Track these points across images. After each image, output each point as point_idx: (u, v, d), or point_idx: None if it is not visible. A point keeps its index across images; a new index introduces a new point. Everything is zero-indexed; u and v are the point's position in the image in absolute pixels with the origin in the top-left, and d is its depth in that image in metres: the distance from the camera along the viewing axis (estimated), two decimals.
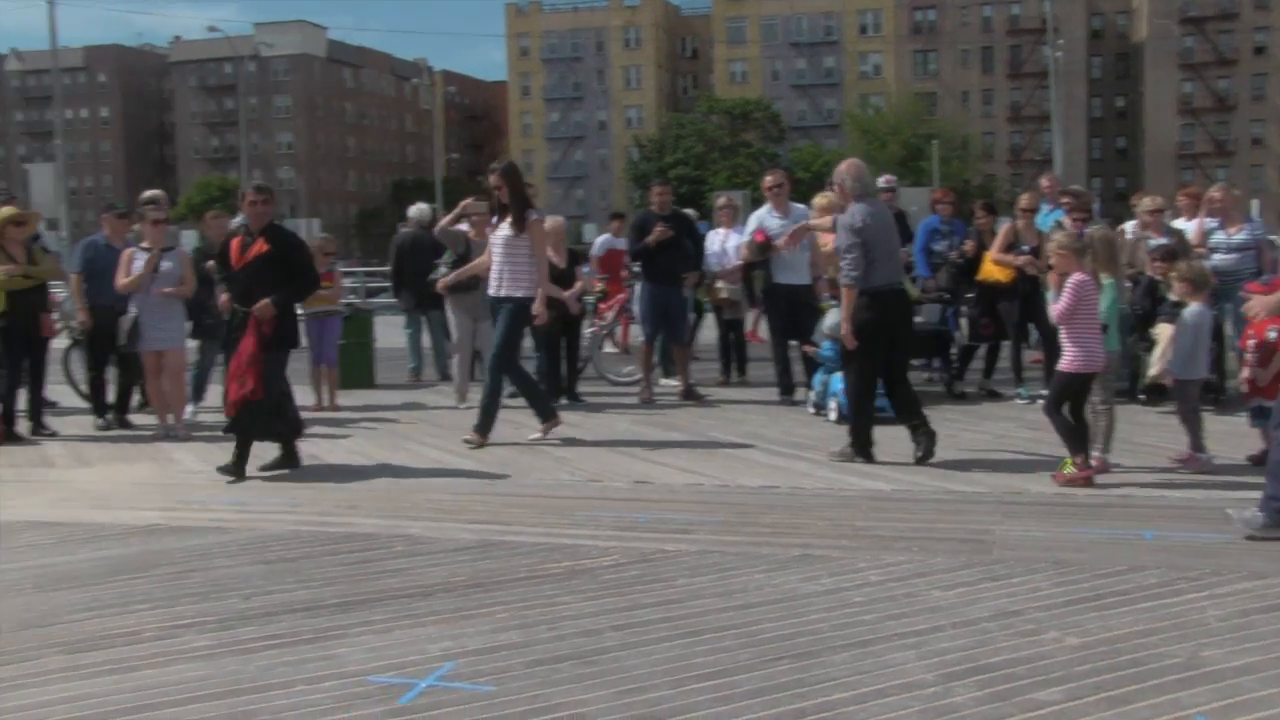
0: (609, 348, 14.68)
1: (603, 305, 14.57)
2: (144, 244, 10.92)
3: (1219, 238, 11.28)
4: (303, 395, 12.47)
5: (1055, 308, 7.93)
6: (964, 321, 12.46)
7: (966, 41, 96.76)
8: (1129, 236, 11.41)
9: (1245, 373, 8.07)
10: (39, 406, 11.23)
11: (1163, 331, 8.60)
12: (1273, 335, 7.74)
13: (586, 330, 13.61)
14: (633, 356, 13.89)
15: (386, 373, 14.55)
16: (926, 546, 6.37)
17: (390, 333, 15.93)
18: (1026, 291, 11.25)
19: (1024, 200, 11.90)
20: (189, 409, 11.37)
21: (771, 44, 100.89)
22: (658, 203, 12.41)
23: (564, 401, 12.25)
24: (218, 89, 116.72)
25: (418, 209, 15.02)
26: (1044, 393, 9.09)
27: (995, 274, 11.57)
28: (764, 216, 12.05)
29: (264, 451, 9.07)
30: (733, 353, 13.79)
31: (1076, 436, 7.88)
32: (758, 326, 14.75)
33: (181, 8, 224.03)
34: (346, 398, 12.68)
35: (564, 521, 7.20)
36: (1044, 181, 13.38)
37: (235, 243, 9.02)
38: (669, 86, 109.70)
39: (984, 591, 5.55)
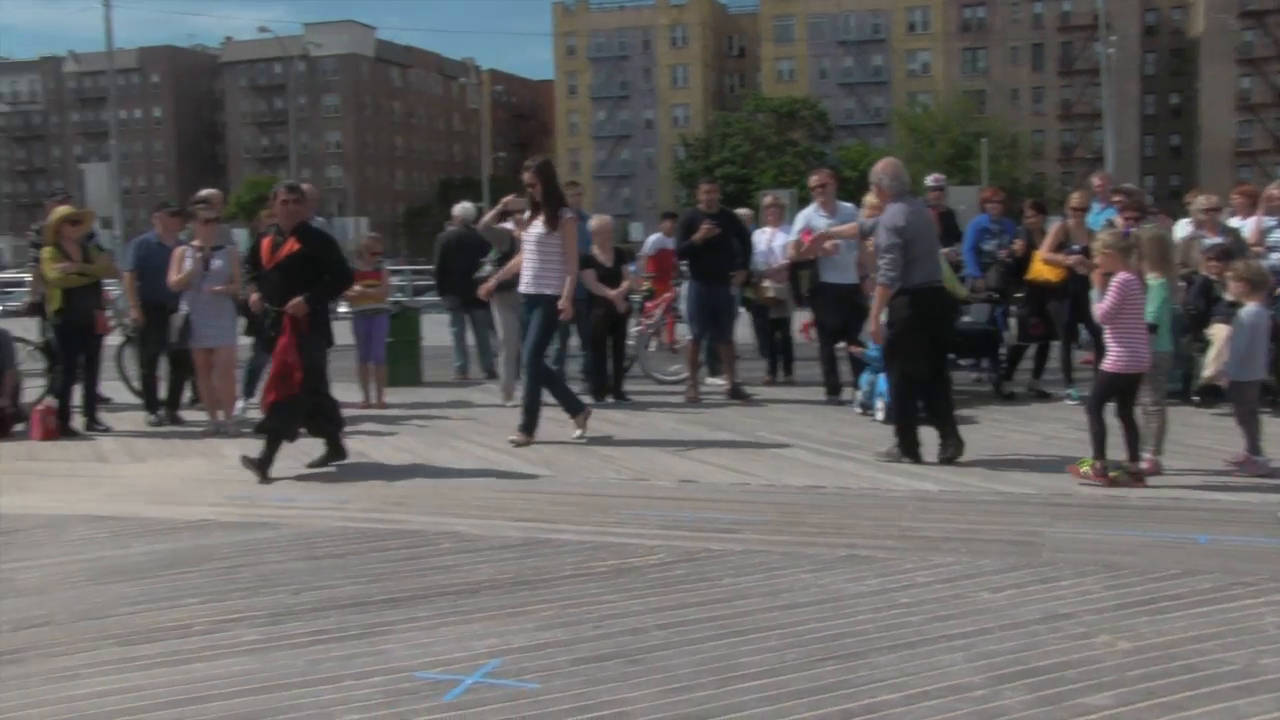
0: (655, 346, 14.67)
1: (649, 304, 14.57)
2: (195, 242, 11.01)
3: (1277, 236, 11.13)
4: (350, 392, 12.58)
5: (1099, 307, 7.86)
6: (1013, 321, 12.37)
7: (1016, 38, 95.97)
8: (1180, 235, 11.27)
9: None
10: (93, 402, 11.36)
11: (1218, 332, 8.48)
12: None
13: (633, 329, 13.61)
14: (679, 355, 13.88)
15: (433, 370, 14.62)
16: (974, 548, 6.33)
17: (437, 330, 16.00)
18: (1077, 291, 11.13)
19: (1075, 199, 11.79)
20: (239, 405, 11.47)
21: (819, 42, 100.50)
22: (705, 201, 12.39)
23: (610, 400, 12.27)
24: (267, 89, 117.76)
25: (462, 207, 15.08)
26: None
27: (1045, 273, 11.47)
28: (811, 215, 12.01)
29: (312, 448, 9.14)
30: (779, 352, 13.76)
31: (1103, 440, 7.82)
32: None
33: (233, 8, 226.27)
34: (394, 395, 12.74)
35: (609, 520, 7.20)
36: (1096, 180, 13.25)
37: (266, 242, 9.04)
38: (715, 85, 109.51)
39: (1033, 594, 5.50)
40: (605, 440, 10.02)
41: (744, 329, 14.33)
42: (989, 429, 10.17)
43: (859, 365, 11.36)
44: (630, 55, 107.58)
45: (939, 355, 8.96)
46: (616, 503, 7.70)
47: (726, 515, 7.23)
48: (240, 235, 25.90)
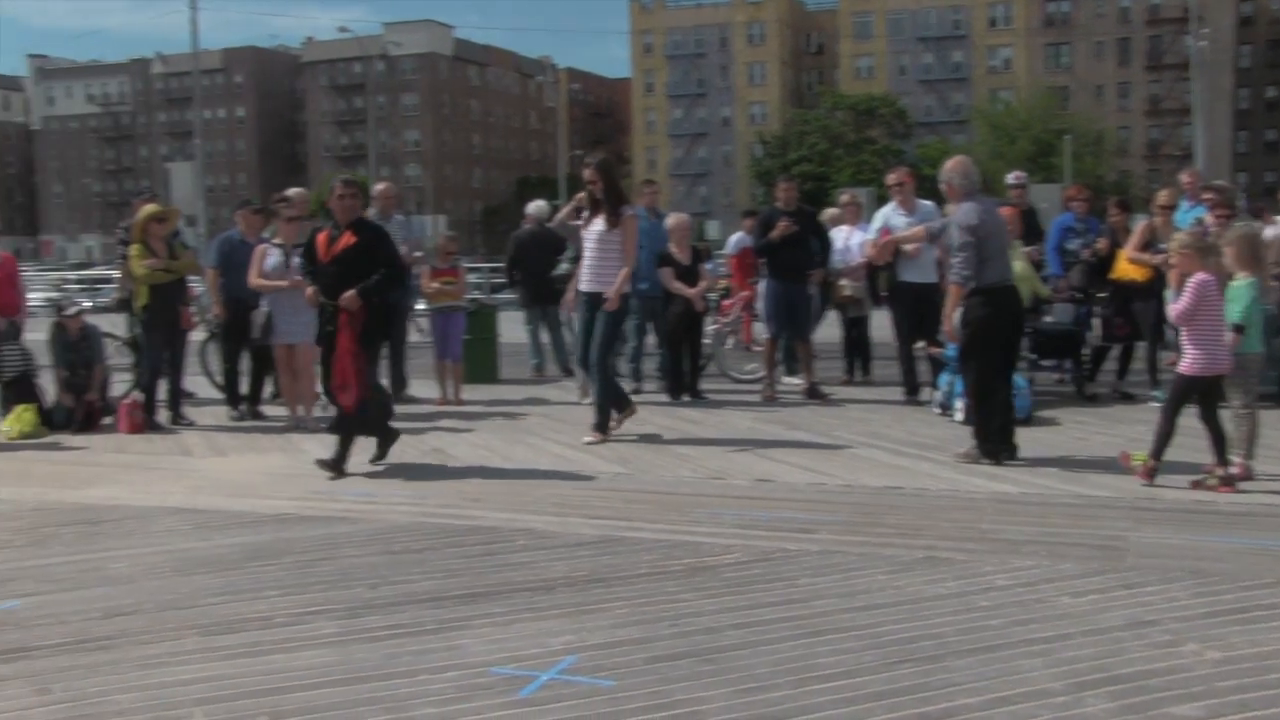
0: (731, 344, 14.63)
1: (726, 302, 14.53)
2: (277, 240, 11.15)
3: None
4: (428, 389, 12.70)
5: (1174, 308, 7.76)
6: (1096, 321, 12.19)
7: (1102, 32, 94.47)
8: (1270, 234, 11.03)
9: None
10: (178, 397, 11.56)
11: None
12: None
13: (709, 327, 13.58)
14: (756, 354, 13.83)
15: (510, 368, 14.69)
16: (1056, 551, 6.24)
17: (514, 328, 16.08)
18: (1163, 291, 10.94)
19: (1162, 196, 11.59)
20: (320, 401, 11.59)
21: (898, 38, 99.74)
22: (783, 199, 12.33)
23: (685, 399, 12.26)
24: (347, 88, 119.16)
25: (536, 205, 15.13)
26: None
27: (1130, 273, 11.29)
28: (889, 214, 11.91)
29: (369, 443, 9.23)
30: (856, 351, 13.67)
31: (1165, 442, 7.75)
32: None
33: (314, 9, 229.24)
34: (471, 392, 12.82)
35: (685, 519, 7.19)
36: (1184, 177, 12.97)
37: (322, 237, 9.00)
38: (793, 82, 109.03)
39: (1116, 599, 5.41)
40: (681, 439, 10.01)
41: (831, 329, 14.26)
42: (1071, 431, 10.02)
43: (938, 365, 11.25)
44: (707, 53, 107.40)
45: (1010, 355, 8.90)
46: (692, 501, 7.69)
47: (803, 515, 7.19)
48: None
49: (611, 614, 5.34)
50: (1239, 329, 7.78)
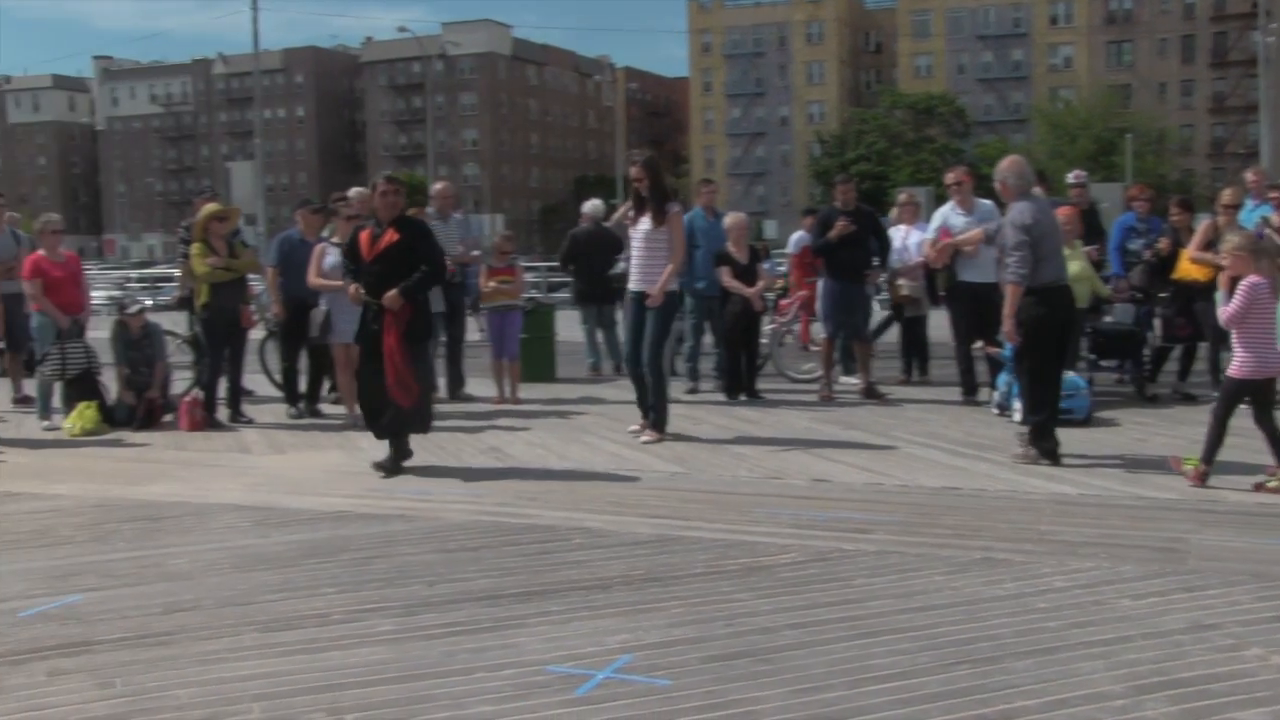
0: (789, 343, 14.59)
1: (783, 301, 14.48)
2: (335, 239, 11.23)
3: None
4: (485, 388, 12.76)
5: (1224, 311, 7.68)
6: (1157, 321, 12.04)
7: (1165, 29, 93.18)
8: None
9: None
10: (238, 395, 11.66)
11: None
12: None
13: (767, 326, 13.55)
14: (813, 353, 13.78)
15: (567, 366, 14.72)
16: (1115, 554, 6.17)
17: (572, 327, 16.11)
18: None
19: (1226, 195, 11.42)
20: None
21: (957, 37, 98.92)
22: (841, 199, 12.28)
23: (742, 398, 12.24)
24: (406, 87, 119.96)
25: (592, 205, 15.15)
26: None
27: (1193, 273, 11.15)
28: (948, 214, 11.82)
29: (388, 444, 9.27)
30: (914, 351, 13.58)
31: (1215, 446, 7.67)
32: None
33: (374, 9, 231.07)
34: (528, 391, 12.86)
35: (742, 518, 7.18)
36: (1249, 175, 12.79)
37: (365, 235, 8.93)
38: (851, 81, 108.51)
39: (1177, 602, 5.34)
40: (738, 438, 9.99)
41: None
42: (1131, 432, 9.91)
43: (996, 365, 11.16)
44: (766, 52, 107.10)
45: (1063, 355, 8.88)
46: (749, 501, 7.67)
47: (860, 515, 7.16)
48: None
49: (667, 613, 5.34)
50: None
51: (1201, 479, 7.66)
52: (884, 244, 12.53)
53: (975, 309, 11.44)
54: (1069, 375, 10.26)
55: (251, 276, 11.99)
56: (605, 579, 5.92)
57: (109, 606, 5.62)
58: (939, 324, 12.88)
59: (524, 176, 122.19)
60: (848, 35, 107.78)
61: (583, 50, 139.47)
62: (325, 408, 11.93)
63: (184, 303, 13.14)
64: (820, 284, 12.57)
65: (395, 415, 8.75)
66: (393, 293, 8.56)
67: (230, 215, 11.75)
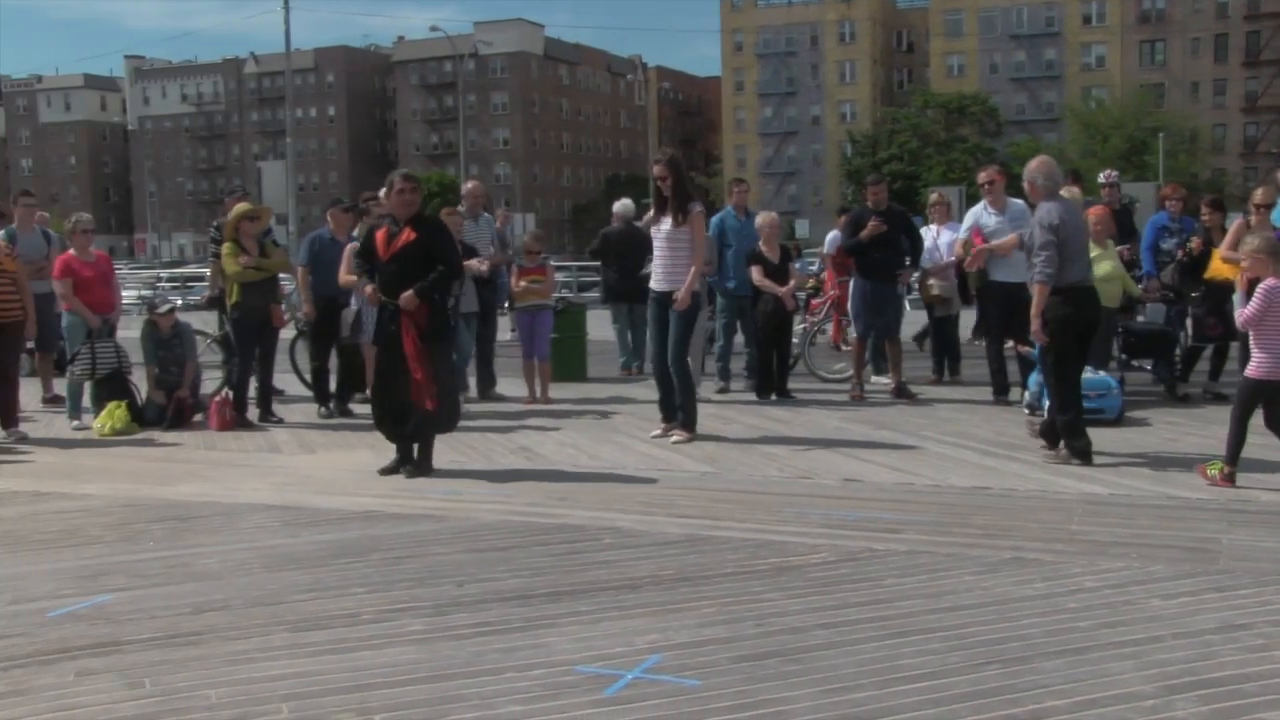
0: (821, 340, 14.57)
1: (814, 301, 14.46)
2: None
3: None
4: (516, 388, 12.78)
5: (1241, 313, 7.66)
6: (1189, 321, 11.97)
7: (1198, 29, 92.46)
8: None
9: None
10: (268, 394, 11.71)
11: None
12: None
13: (798, 326, 13.53)
14: (844, 353, 13.74)
15: (598, 366, 14.73)
16: (1146, 554, 6.13)
17: (603, 326, 16.12)
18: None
19: (1259, 195, 11.32)
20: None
21: (990, 36, 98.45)
22: (873, 199, 12.24)
23: (773, 397, 12.22)
24: (438, 87, 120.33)
25: (622, 204, 15.16)
26: None
27: (1224, 272, 11.07)
28: (980, 213, 11.77)
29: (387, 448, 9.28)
30: (945, 351, 13.53)
31: (1238, 447, 7.64)
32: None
33: (406, 8, 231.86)
34: (559, 390, 12.88)
35: (772, 518, 7.17)
36: None
37: (381, 234, 8.82)
38: (884, 81, 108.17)
39: (1208, 602, 5.30)
40: (768, 438, 9.97)
41: (911, 329, 14.13)
42: (1162, 431, 9.85)
43: (1027, 365, 11.11)
44: (798, 51, 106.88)
45: (1084, 355, 8.88)
46: (779, 501, 7.66)
47: (890, 515, 7.14)
48: None
49: (697, 613, 5.33)
50: None
51: (1230, 481, 7.61)
52: (916, 244, 12.48)
53: (1007, 308, 11.40)
54: (1100, 375, 10.23)
55: (282, 276, 12.04)
56: (635, 579, 5.91)
57: (138, 606, 5.65)
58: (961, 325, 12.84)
59: (556, 176, 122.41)
60: (880, 34, 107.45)
61: (615, 50, 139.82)
62: (355, 407, 11.96)
63: (215, 302, 13.21)
64: (851, 283, 12.54)
65: (421, 419, 8.68)
66: (408, 293, 8.47)
67: (261, 215, 11.79)
